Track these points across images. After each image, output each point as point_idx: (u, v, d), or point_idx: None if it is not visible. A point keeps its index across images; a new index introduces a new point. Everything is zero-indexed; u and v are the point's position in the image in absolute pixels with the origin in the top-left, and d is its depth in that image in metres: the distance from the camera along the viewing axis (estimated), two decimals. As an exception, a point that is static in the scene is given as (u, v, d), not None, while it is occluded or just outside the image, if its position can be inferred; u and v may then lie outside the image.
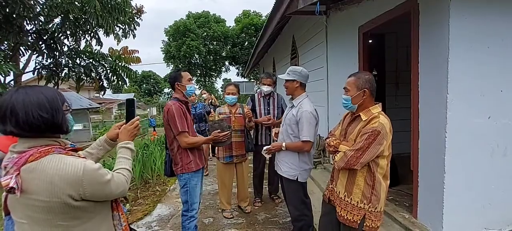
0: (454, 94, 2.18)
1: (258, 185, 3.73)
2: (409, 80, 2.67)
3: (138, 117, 1.41)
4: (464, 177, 2.28)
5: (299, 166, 2.35)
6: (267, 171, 3.81)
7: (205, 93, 6.61)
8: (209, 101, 6.45)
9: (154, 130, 13.75)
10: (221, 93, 25.13)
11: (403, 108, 4.24)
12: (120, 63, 8.45)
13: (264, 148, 2.51)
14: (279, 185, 3.73)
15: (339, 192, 1.76)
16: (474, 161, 2.29)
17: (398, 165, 3.57)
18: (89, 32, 8.08)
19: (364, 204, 1.65)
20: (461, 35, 2.15)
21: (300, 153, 2.36)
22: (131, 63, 8.53)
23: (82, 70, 8.45)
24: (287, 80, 2.39)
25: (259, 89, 3.85)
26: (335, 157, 1.69)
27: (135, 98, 1.45)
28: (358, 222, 1.66)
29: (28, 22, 7.30)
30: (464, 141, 2.24)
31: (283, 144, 2.34)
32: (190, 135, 2.42)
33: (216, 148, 3.33)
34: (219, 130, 2.55)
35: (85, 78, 8.76)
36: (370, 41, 3.69)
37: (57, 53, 8.14)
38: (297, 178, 2.36)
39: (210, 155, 5.85)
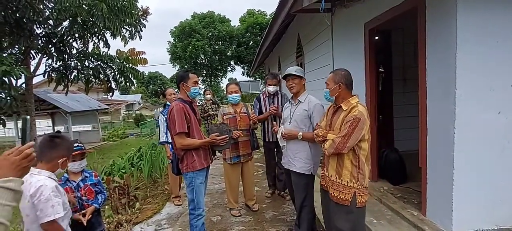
0: (463, 90, 2.15)
1: (272, 180, 3.82)
2: (416, 77, 2.64)
3: (33, 142, 1.04)
4: (474, 174, 2.25)
5: (313, 160, 2.40)
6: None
7: (209, 94, 6.61)
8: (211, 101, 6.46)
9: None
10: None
11: (411, 105, 4.19)
12: (127, 65, 8.57)
13: (280, 130, 2.47)
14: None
15: (330, 176, 2.02)
16: (484, 157, 2.25)
17: (406, 162, 3.54)
18: (97, 34, 8.22)
19: (353, 182, 1.91)
20: (469, 30, 2.12)
21: (312, 146, 2.39)
22: (138, 65, 8.65)
23: (91, 72, 8.61)
24: (296, 77, 2.44)
25: (264, 89, 3.90)
26: (325, 145, 1.94)
27: (28, 117, 1.08)
28: (350, 200, 1.91)
29: (37, 26, 7.47)
30: (473, 137, 2.21)
31: (300, 133, 2.37)
32: (195, 134, 2.46)
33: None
34: (217, 133, 2.56)
35: (94, 80, 8.92)
36: (376, 37, 3.66)
37: (66, 56, 8.31)
38: (311, 172, 2.41)
39: (217, 153, 5.88)
